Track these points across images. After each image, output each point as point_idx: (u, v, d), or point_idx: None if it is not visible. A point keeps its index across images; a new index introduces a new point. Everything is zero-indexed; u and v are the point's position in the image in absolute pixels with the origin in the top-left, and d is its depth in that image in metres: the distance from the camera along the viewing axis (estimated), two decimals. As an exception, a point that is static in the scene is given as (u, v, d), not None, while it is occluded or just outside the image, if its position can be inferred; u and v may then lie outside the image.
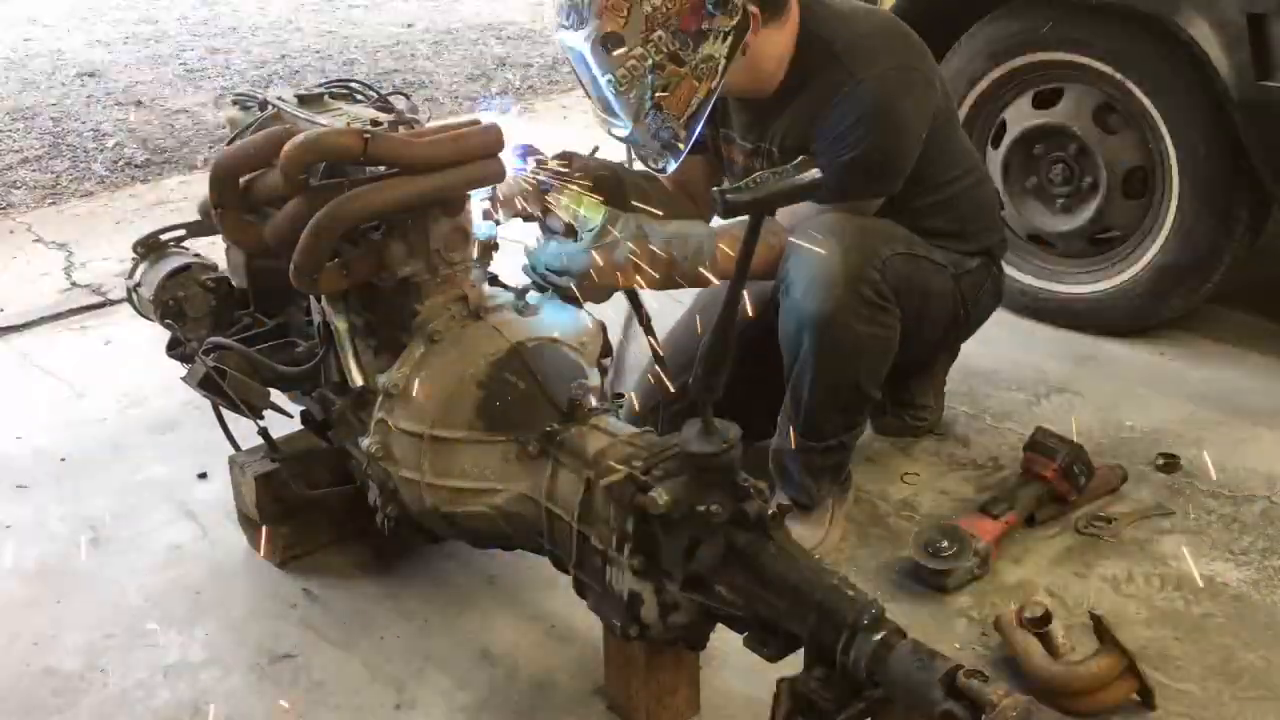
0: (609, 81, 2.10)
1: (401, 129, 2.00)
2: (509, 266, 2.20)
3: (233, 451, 2.27)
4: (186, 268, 2.32)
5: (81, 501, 2.59)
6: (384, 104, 2.25)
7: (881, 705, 1.51)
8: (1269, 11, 2.67)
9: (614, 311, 2.32)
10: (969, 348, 3.12)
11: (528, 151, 2.12)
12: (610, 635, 1.86)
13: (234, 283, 2.37)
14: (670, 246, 2.13)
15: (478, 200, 2.07)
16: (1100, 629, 1.92)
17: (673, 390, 2.20)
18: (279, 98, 2.20)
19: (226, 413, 2.18)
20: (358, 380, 1.99)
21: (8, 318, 3.56)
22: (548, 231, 2.18)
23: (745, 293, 1.62)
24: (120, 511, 2.54)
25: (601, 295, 2.19)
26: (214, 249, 2.39)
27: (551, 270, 2.13)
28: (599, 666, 1.96)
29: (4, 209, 4.60)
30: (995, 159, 3.29)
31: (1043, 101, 3.18)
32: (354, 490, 2.19)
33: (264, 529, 2.27)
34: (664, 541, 1.66)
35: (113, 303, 3.63)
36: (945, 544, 2.20)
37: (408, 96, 2.44)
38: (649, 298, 2.29)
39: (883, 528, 2.42)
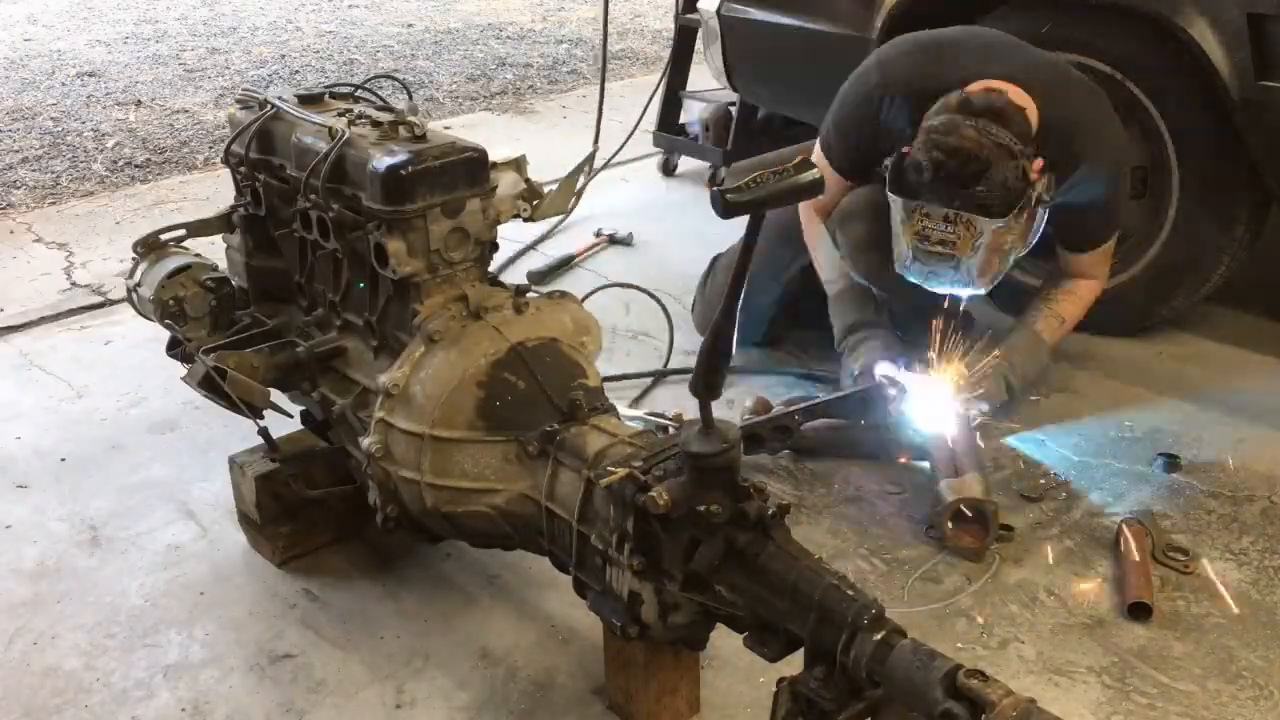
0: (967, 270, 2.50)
1: (401, 129, 2.00)
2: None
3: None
4: (186, 268, 2.32)
5: (81, 501, 2.59)
6: (384, 105, 2.25)
7: (881, 705, 1.51)
8: (1269, 11, 2.67)
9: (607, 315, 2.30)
10: (969, 347, 3.10)
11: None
12: (610, 635, 1.86)
13: (234, 283, 2.37)
14: (1032, 376, 2.83)
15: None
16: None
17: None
18: (279, 97, 2.21)
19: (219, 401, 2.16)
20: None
21: (8, 318, 3.56)
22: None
23: None
24: (120, 511, 2.54)
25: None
26: (214, 249, 2.40)
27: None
28: (599, 666, 1.96)
29: (4, 209, 4.60)
30: (995, 159, 3.29)
31: (1043, 101, 3.18)
32: (354, 490, 2.19)
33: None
34: (664, 541, 1.66)
35: (113, 303, 3.63)
36: None
37: (405, 85, 2.44)
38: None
39: (883, 527, 2.42)
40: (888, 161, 2.51)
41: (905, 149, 2.47)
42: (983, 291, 2.60)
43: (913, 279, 2.57)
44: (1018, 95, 2.51)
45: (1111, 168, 2.70)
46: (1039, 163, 2.46)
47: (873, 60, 2.81)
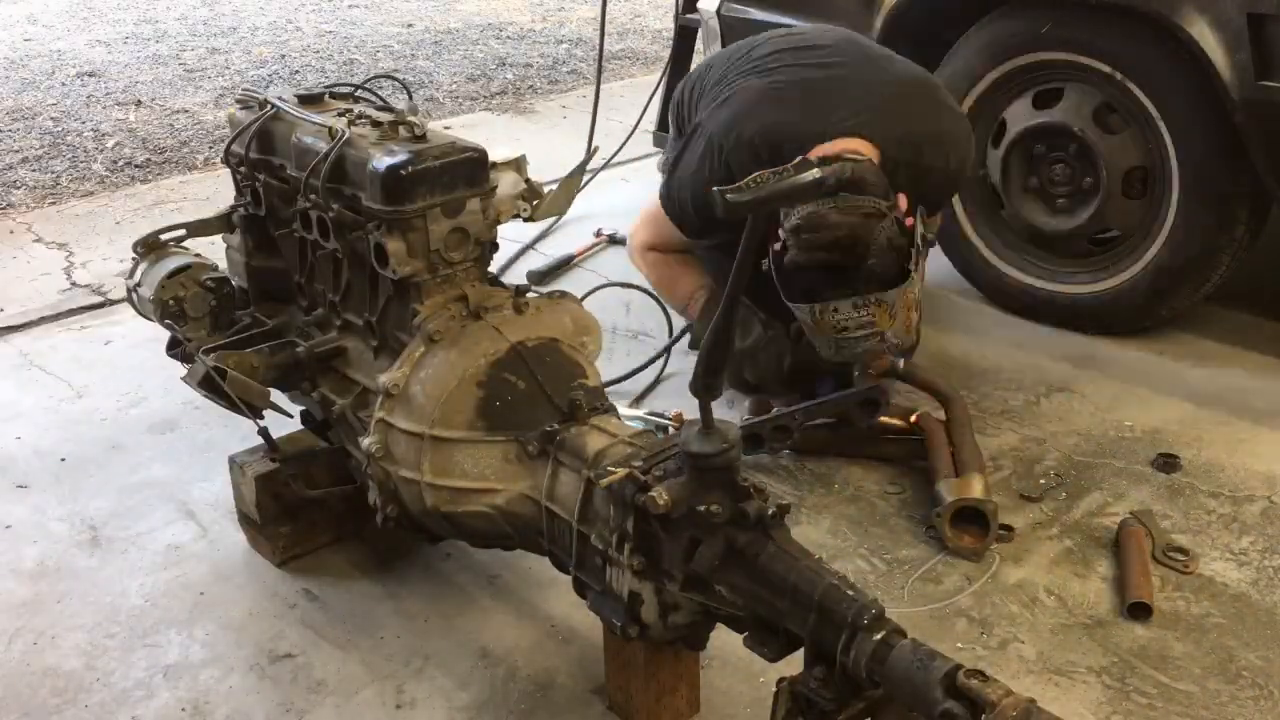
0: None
1: (401, 129, 2.00)
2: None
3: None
4: (186, 268, 2.32)
5: (81, 501, 2.59)
6: (384, 105, 2.25)
7: (881, 705, 1.51)
8: (1269, 11, 2.67)
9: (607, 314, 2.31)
10: (969, 347, 3.12)
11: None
12: (610, 635, 1.86)
13: (234, 283, 2.37)
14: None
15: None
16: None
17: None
18: (279, 97, 2.21)
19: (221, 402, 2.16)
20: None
21: (8, 318, 3.56)
22: None
23: None
24: (120, 511, 2.54)
25: None
26: (214, 249, 2.40)
27: None
28: (599, 666, 1.96)
29: (4, 209, 4.60)
30: (995, 159, 3.29)
31: (1043, 101, 3.18)
32: (354, 490, 2.19)
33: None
34: (664, 541, 1.66)
35: (113, 303, 3.63)
36: None
37: (405, 85, 2.45)
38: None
39: (883, 527, 2.42)
40: (766, 264, 2.42)
41: (776, 246, 2.40)
42: (915, 342, 2.60)
43: (842, 360, 2.53)
44: (856, 147, 2.47)
45: (959, 161, 2.71)
46: (902, 201, 2.41)
47: (727, 113, 2.71)
